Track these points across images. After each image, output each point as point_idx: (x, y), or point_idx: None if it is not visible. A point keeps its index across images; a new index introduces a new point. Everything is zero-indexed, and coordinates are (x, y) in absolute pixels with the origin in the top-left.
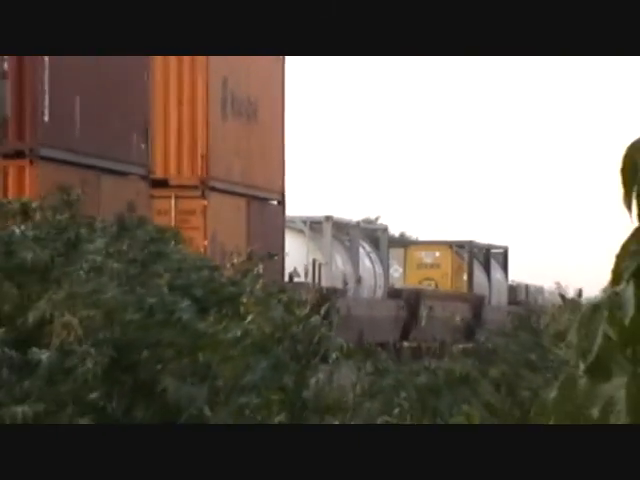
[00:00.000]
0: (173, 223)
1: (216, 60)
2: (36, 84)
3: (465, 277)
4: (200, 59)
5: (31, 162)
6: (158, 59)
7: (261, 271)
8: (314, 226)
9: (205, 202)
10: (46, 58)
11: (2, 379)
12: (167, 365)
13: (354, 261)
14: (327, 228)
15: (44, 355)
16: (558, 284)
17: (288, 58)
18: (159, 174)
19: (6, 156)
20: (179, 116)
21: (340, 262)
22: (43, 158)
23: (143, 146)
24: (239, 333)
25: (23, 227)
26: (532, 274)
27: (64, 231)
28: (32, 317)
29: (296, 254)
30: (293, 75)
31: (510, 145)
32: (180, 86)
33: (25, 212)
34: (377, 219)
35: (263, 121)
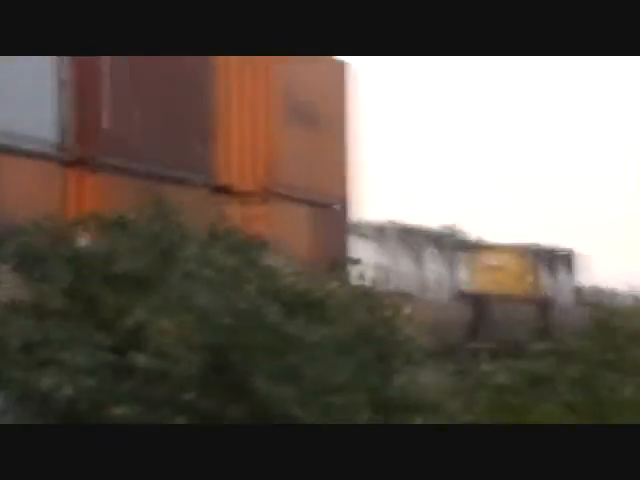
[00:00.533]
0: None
1: (279, 66)
2: (96, 92)
3: (531, 279)
4: (262, 65)
5: (92, 170)
6: (221, 65)
7: (346, 277)
8: (379, 231)
9: (267, 208)
10: (106, 65)
11: (103, 382)
12: (258, 366)
13: (419, 264)
14: (392, 233)
15: (141, 358)
16: (631, 287)
17: (355, 63)
18: (223, 181)
19: (67, 164)
20: (241, 123)
21: (405, 265)
22: (103, 166)
23: (206, 153)
24: (326, 335)
25: (120, 237)
26: (608, 277)
27: (158, 241)
28: (130, 322)
29: (362, 258)
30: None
31: (584, 150)
32: (242, 93)
33: (122, 223)
34: (452, 225)
35: (326, 128)
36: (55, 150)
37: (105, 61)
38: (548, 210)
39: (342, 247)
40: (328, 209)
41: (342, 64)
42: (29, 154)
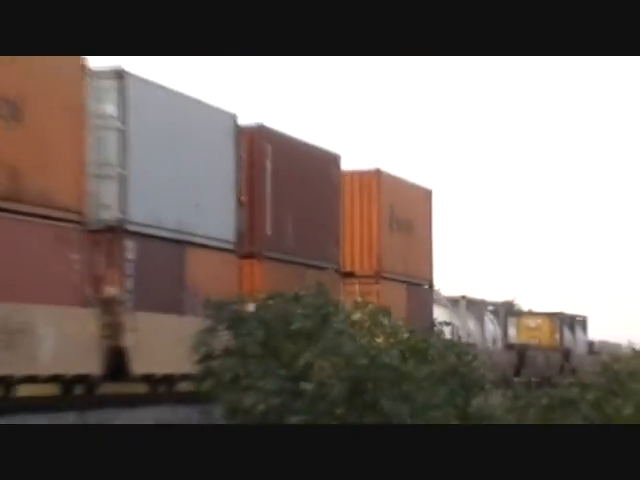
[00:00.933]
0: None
1: (386, 191)
2: (262, 209)
3: (557, 336)
4: (374, 192)
5: (258, 260)
6: (343, 184)
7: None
8: (453, 302)
9: (378, 287)
10: (268, 189)
11: (284, 401)
12: (384, 392)
13: (481, 325)
14: (462, 303)
15: (308, 386)
16: (629, 340)
17: (436, 190)
18: (349, 268)
19: (242, 256)
20: (361, 230)
21: (472, 326)
22: (266, 257)
23: (335, 249)
24: (428, 372)
25: (295, 307)
26: (613, 334)
27: (320, 309)
28: (301, 362)
29: (440, 320)
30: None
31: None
32: (356, 207)
33: (296, 298)
34: (513, 299)
35: (417, 234)
36: (233, 247)
37: (267, 187)
38: (572, 282)
39: (429, 313)
40: (419, 287)
41: (429, 190)
42: (218, 249)
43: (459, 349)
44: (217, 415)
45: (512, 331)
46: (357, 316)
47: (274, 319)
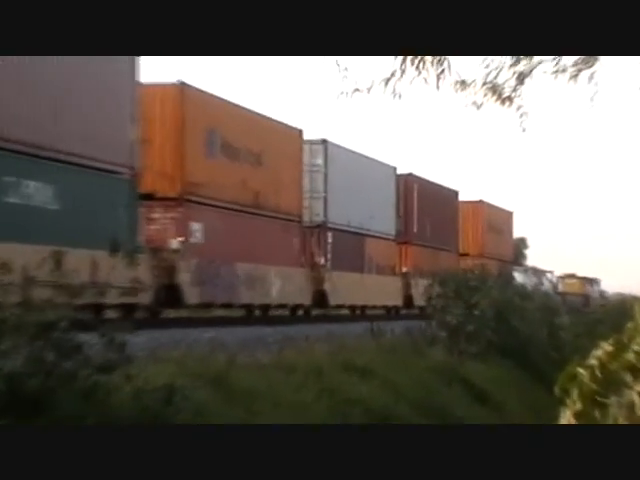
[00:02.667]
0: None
1: (484, 217)
2: (410, 207)
3: (583, 288)
4: (479, 218)
5: (408, 245)
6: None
7: None
8: (525, 270)
9: (481, 261)
10: (415, 210)
11: (465, 319)
12: (511, 314)
13: (539, 282)
14: (529, 271)
15: (476, 312)
16: (630, 292)
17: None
18: (465, 251)
19: (399, 243)
20: (469, 228)
21: (532, 281)
22: (414, 244)
23: (455, 239)
24: (532, 306)
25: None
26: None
27: (482, 276)
28: (473, 300)
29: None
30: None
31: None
32: (473, 227)
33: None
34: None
35: (503, 231)
36: (394, 237)
37: (415, 208)
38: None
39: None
40: (505, 262)
41: (510, 212)
42: (384, 239)
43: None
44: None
45: (560, 286)
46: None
47: (460, 280)
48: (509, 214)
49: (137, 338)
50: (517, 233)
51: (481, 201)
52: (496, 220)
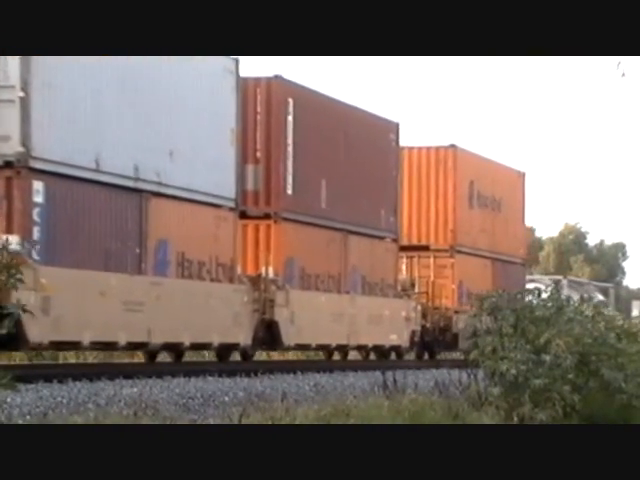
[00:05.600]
0: (432, 274)
1: (463, 167)
2: (280, 167)
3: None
4: (450, 167)
5: (275, 222)
6: (405, 158)
7: None
8: (556, 282)
9: (453, 260)
10: (289, 148)
11: (529, 368)
12: (603, 363)
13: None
14: (564, 283)
15: (547, 357)
16: None
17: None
18: (423, 242)
19: (258, 217)
20: (436, 204)
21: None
22: (285, 219)
23: (392, 219)
24: (638, 349)
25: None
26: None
27: (556, 301)
28: (542, 340)
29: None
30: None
31: None
32: (430, 183)
33: (538, 293)
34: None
35: (506, 212)
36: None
37: (288, 146)
38: None
39: (521, 287)
40: (508, 264)
41: (520, 173)
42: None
43: None
44: (480, 377)
45: (635, 310)
46: (584, 308)
47: (522, 308)
48: (516, 176)
49: None
50: (609, 235)
51: (454, 147)
52: (489, 185)
